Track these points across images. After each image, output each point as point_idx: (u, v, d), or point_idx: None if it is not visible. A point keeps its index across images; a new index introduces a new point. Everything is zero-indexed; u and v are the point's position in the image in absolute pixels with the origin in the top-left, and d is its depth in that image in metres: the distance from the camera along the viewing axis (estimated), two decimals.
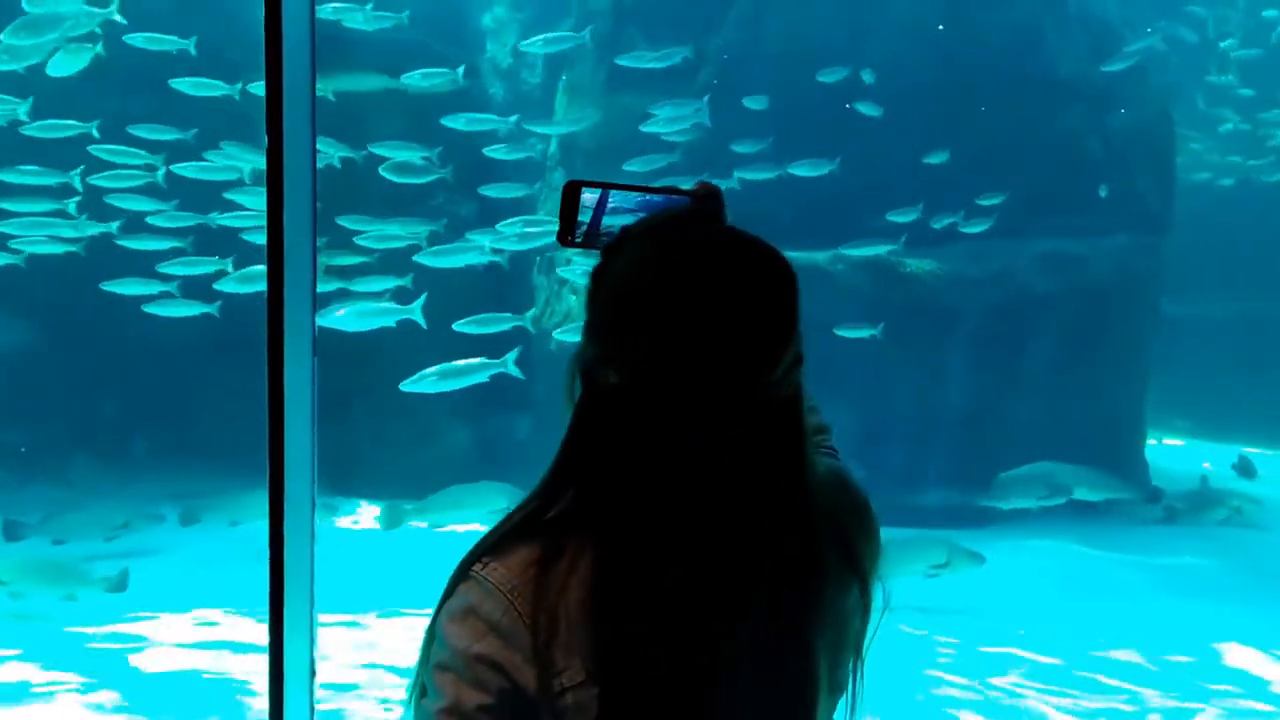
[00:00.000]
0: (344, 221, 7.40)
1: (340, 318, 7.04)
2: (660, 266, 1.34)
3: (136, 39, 7.53)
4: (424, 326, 7.27)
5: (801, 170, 7.88)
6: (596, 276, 1.39)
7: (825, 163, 7.92)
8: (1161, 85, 9.67)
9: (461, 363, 7.11)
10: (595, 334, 1.35)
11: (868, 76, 8.19)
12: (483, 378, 7.11)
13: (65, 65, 7.61)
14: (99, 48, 7.65)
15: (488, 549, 1.30)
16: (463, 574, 1.29)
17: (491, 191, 8.03)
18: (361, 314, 7.16)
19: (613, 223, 1.62)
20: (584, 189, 1.62)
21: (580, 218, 1.62)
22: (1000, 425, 8.22)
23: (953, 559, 6.51)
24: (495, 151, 8.07)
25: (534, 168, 8.92)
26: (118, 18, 7.56)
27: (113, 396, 8.47)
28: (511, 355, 7.17)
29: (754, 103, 8.06)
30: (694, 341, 1.29)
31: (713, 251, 1.34)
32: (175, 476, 8.15)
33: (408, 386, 7.02)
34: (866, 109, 8.16)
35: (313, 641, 2.29)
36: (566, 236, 1.63)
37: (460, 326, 7.24)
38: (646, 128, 8.06)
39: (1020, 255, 8.38)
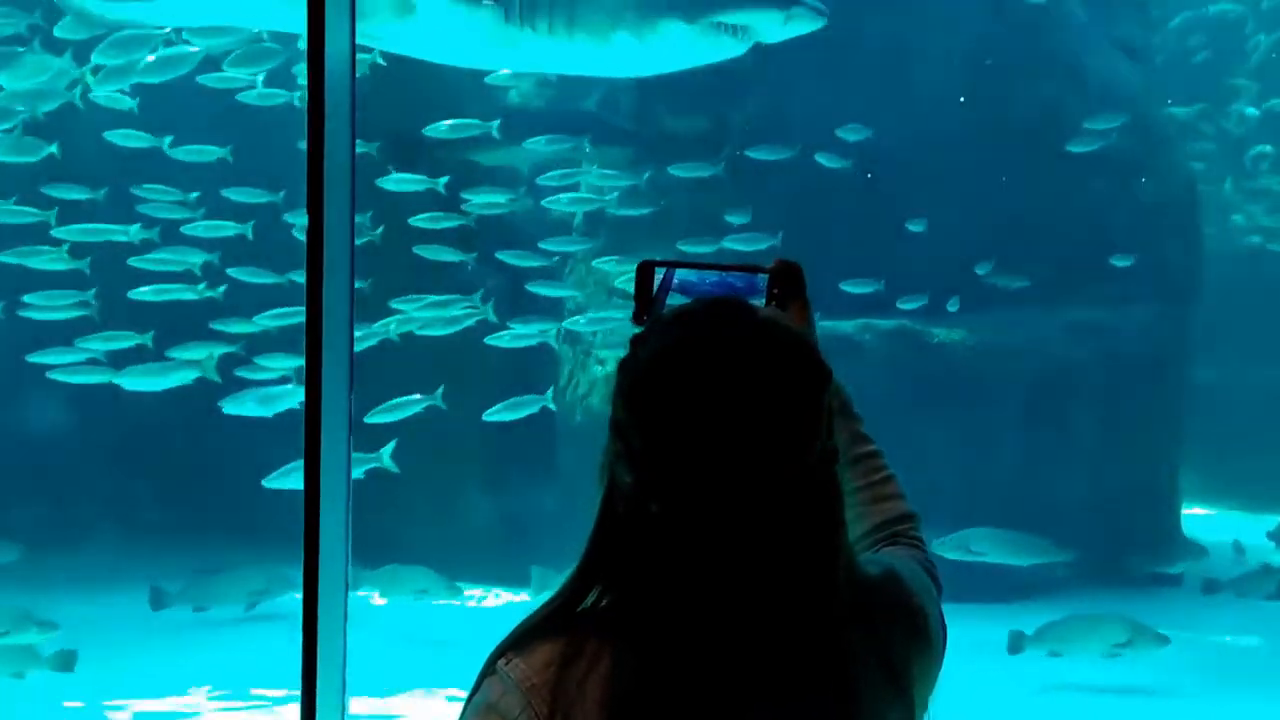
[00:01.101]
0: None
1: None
2: (677, 366, 1.32)
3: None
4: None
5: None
6: (623, 368, 1.37)
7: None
8: (1184, 155, 9.70)
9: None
10: (617, 433, 1.34)
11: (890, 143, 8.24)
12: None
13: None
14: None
15: (513, 644, 1.31)
16: (489, 668, 1.31)
17: (520, 261, 8.06)
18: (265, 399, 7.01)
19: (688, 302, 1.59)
20: (658, 268, 1.59)
21: (657, 295, 1.59)
22: (1037, 495, 8.09)
23: (1135, 638, 6.35)
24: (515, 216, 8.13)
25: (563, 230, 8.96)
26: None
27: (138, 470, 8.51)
28: (387, 449, 6.97)
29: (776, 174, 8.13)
30: (711, 448, 1.28)
31: (731, 349, 1.32)
32: (194, 549, 8.12)
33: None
34: (888, 180, 8.21)
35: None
36: (642, 317, 1.59)
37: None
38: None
39: (1050, 324, 8.34)
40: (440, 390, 7.34)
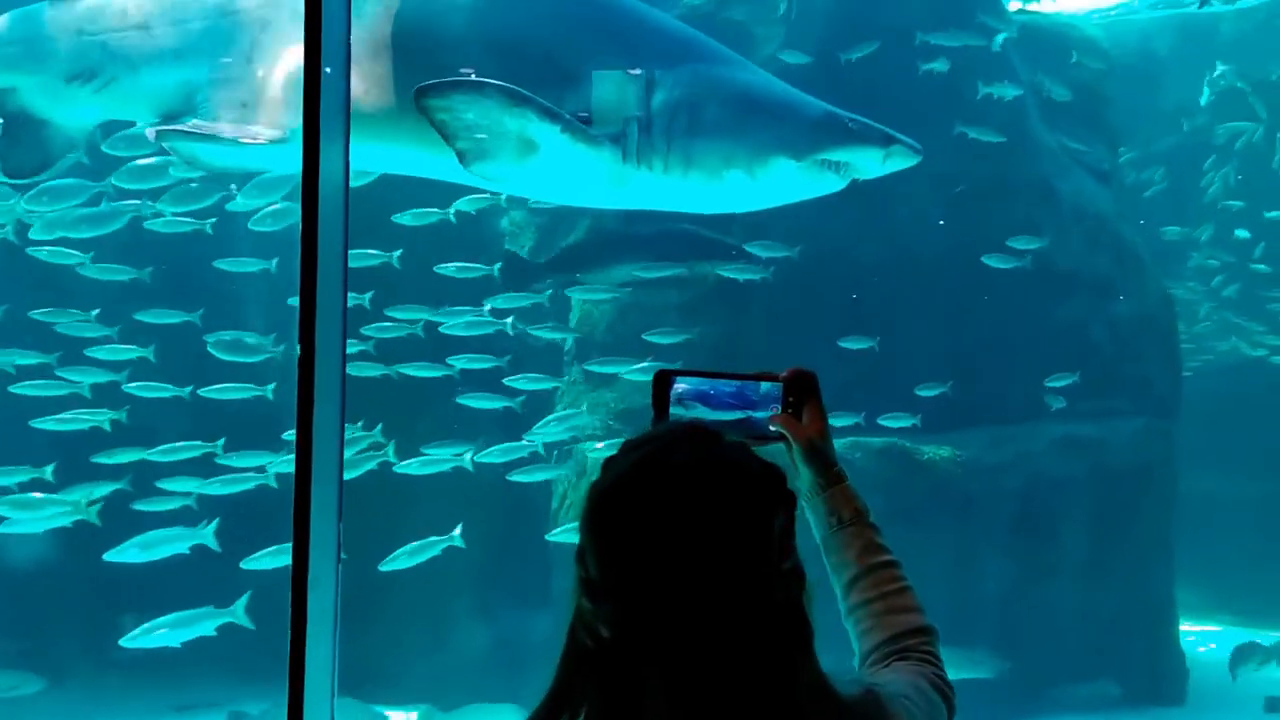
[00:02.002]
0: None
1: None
2: (627, 494, 1.36)
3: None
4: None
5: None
6: (588, 493, 1.41)
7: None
8: (1157, 273, 9.91)
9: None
10: (579, 559, 1.38)
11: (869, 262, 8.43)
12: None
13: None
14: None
15: None
16: None
17: (518, 384, 8.14)
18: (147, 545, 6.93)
19: (707, 412, 1.63)
20: (675, 378, 1.64)
21: (674, 404, 1.63)
22: (1030, 613, 8.02)
23: None
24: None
25: (553, 356, 9.05)
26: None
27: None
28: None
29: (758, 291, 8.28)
30: (657, 575, 1.31)
31: (680, 476, 1.34)
32: (178, 686, 7.92)
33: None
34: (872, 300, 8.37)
35: None
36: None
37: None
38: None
39: (1037, 440, 8.40)
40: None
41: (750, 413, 1.77)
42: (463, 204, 7.96)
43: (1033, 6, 10.75)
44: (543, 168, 4.95)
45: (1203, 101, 11.47)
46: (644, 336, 8.19)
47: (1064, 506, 8.32)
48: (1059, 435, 8.45)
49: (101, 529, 7.50)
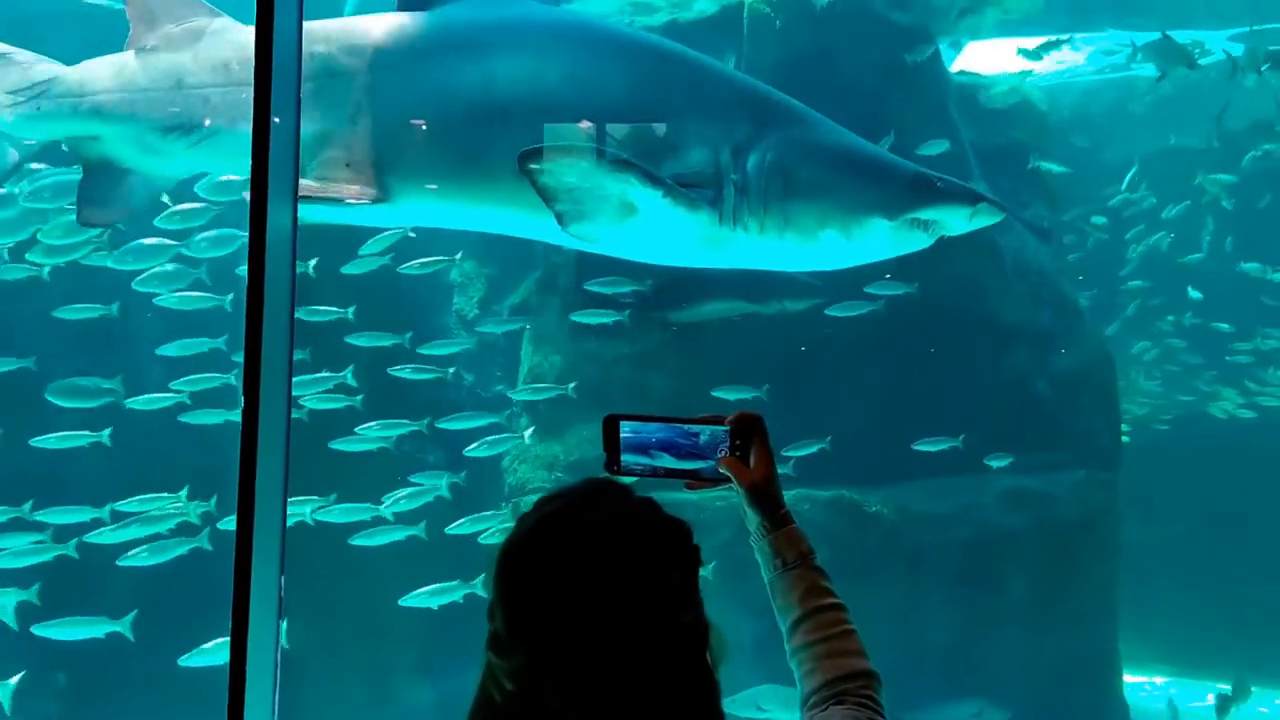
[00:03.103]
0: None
1: None
2: (523, 552, 1.39)
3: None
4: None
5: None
6: (500, 547, 1.45)
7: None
8: (1096, 328, 10.14)
9: None
10: (488, 615, 1.42)
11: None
12: None
13: None
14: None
15: None
16: None
17: (454, 422, 8.06)
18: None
19: (654, 454, 1.66)
20: (622, 421, 1.67)
21: (624, 448, 1.65)
22: (978, 664, 8.06)
23: None
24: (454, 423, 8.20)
25: (501, 407, 9.01)
26: None
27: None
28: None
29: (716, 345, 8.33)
30: (550, 631, 1.34)
31: (588, 533, 1.38)
32: None
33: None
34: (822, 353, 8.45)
35: None
36: (613, 467, 1.67)
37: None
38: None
39: (984, 492, 8.50)
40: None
41: (698, 457, 1.80)
42: (411, 268, 7.90)
43: (974, 68, 11.06)
44: (640, 230, 5.03)
45: (1132, 169, 11.82)
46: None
47: (1010, 558, 8.41)
48: (1005, 487, 8.55)
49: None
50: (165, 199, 6.90)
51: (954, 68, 10.78)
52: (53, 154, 6.69)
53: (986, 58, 10.95)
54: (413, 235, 7.86)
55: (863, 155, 5.21)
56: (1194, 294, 11.40)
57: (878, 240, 5.14)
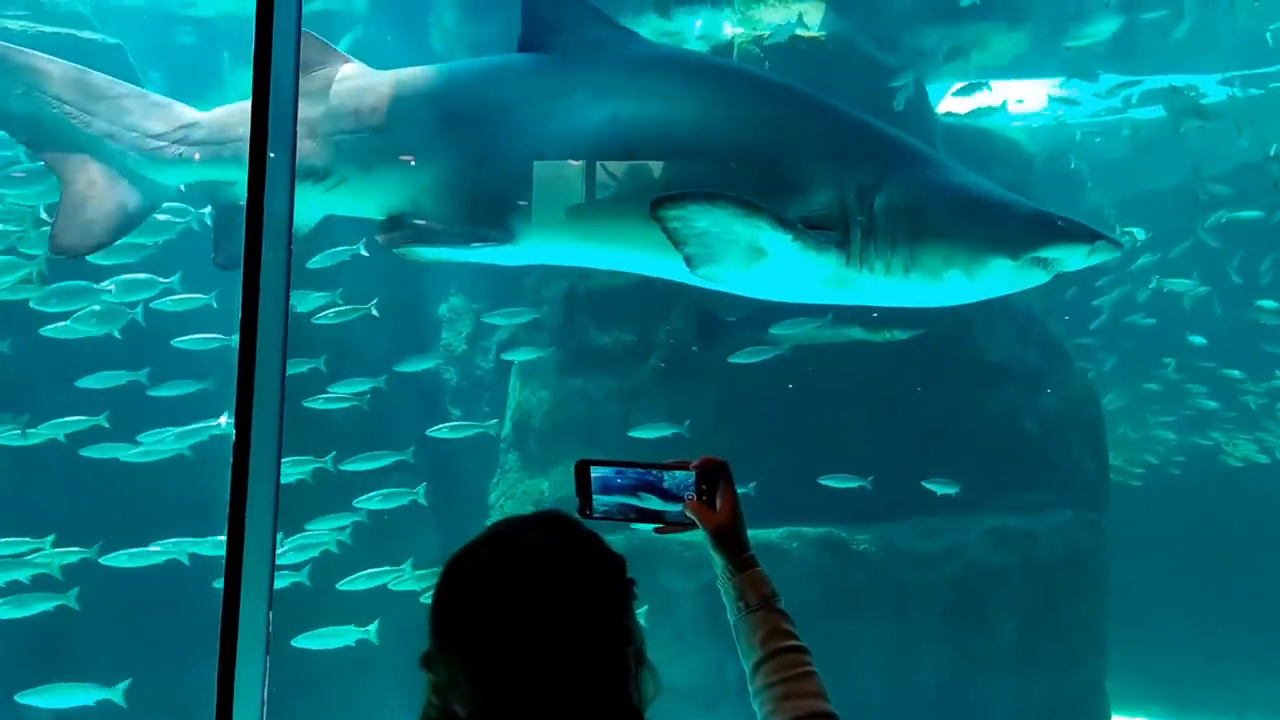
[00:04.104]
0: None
1: None
2: (455, 584, 1.46)
3: None
4: None
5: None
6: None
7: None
8: (1082, 368, 10.19)
9: None
10: (430, 637, 1.47)
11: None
12: None
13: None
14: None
15: None
16: None
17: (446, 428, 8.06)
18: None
19: (625, 498, 1.69)
20: (593, 466, 1.70)
21: (596, 492, 1.69)
22: (966, 703, 8.02)
23: None
24: (440, 432, 8.18)
25: (489, 444, 8.99)
26: None
27: None
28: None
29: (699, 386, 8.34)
30: (477, 662, 1.40)
31: (519, 563, 1.44)
32: None
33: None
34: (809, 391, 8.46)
35: None
36: (585, 511, 1.70)
37: None
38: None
39: (970, 531, 8.49)
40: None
41: (666, 500, 1.84)
42: (325, 318, 7.79)
43: (959, 108, 11.20)
44: (768, 271, 5.11)
45: (1112, 205, 11.93)
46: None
47: (997, 597, 8.39)
48: (991, 526, 8.55)
49: None
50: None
51: (940, 109, 10.91)
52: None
53: (973, 99, 11.09)
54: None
55: (985, 195, 5.30)
56: (1196, 339, 11.44)
57: (999, 278, 5.22)
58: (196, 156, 5.85)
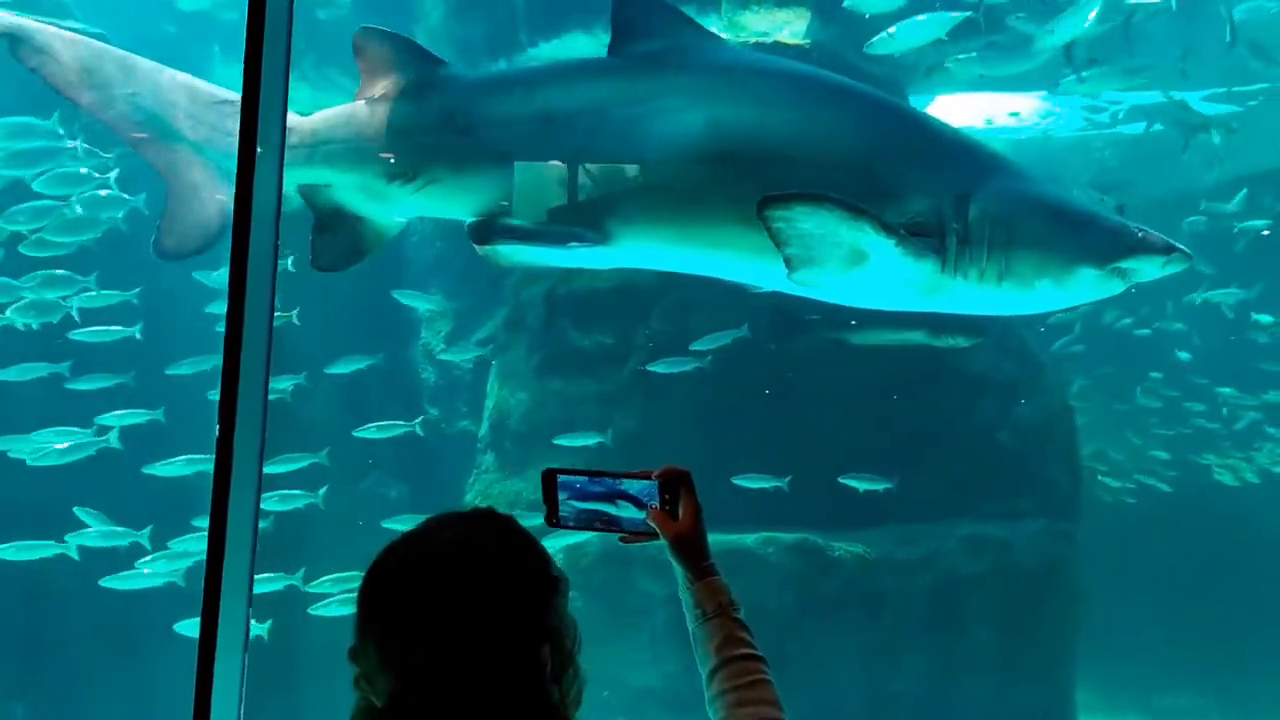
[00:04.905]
0: None
1: None
2: (378, 580, 1.51)
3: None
4: None
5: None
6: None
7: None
8: (1058, 380, 10.26)
9: None
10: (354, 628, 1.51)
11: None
12: None
13: None
14: None
15: None
16: None
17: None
18: None
19: (592, 506, 1.71)
20: (560, 475, 1.72)
21: (562, 501, 1.71)
22: (942, 710, 8.06)
23: None
24: (367, 432, 8.17)
25: (466, 445, 8.98)
26: None
27: None
28: None
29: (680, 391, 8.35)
30: (396, 659, 1.43)
31: (441, 559, 1.48)
32: None
33: None
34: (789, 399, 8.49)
35: None
36: (552, 519, 1.73)
37: None
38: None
39: (946, 539, 8.54)
40: None
41: (631, 509, 1.87)
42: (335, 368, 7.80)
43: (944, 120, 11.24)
44: (862, 277, 5.16)
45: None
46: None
47: (973, 605, 8.44)
48: (967, 534, 8.60)
49: None
50: None
51: None
52: None
53: (957, 110, 11.16)
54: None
55: (1073, 207, 5.41)
56: (1182, 355, 11.53)
57: (1084, 288, 5.31)
58: (290, 158, 5.87)
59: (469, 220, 5.62)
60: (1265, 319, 10.86)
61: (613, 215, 5.35)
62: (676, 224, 5.35)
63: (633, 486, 1.84)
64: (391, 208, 5.88)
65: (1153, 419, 11.87)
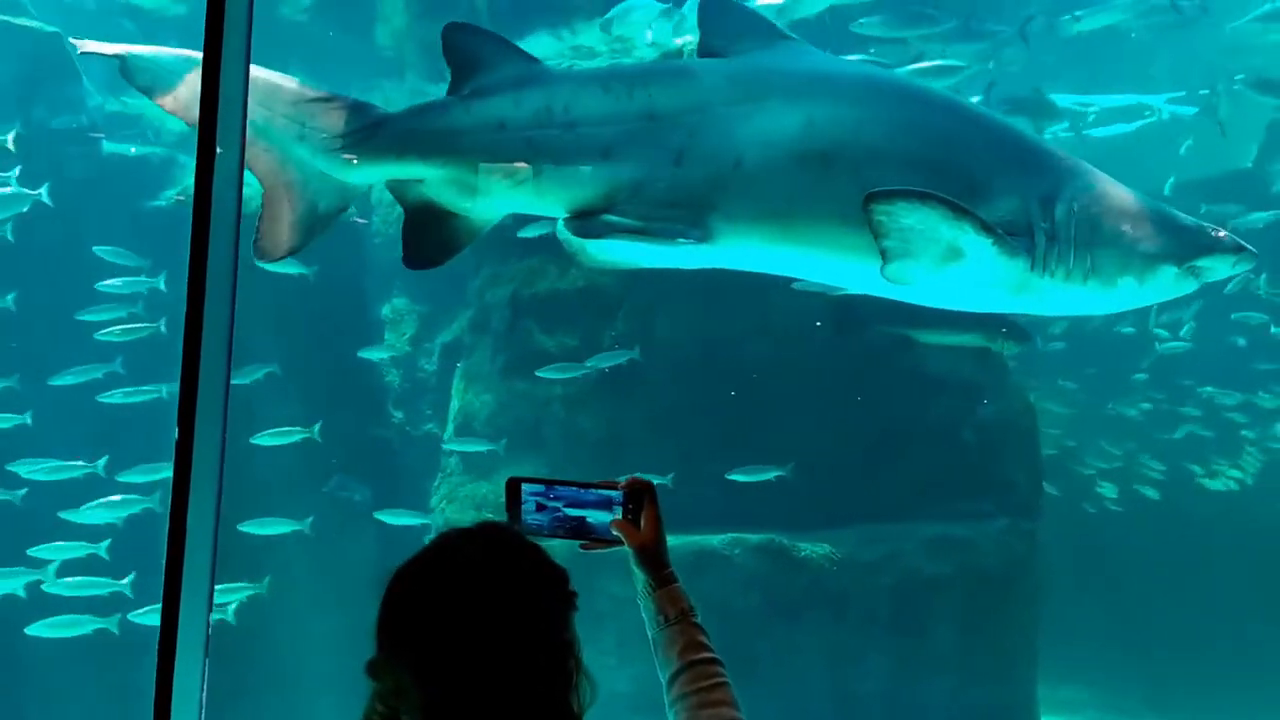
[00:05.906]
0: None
1: None
2: (396, 592, 1.53)
3: None
4: None
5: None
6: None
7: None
8: (1018, 381, 10.36)
9: None
10: (377, 645, 1.53)
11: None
12: None
13: None
14: None
15: None
16: None
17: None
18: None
19: (555, 515, 1.72)
20: (524, 484, 1.74)
21: (526, 510, 1.72)
22: (906, 711, 8.12)
23: None
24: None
25: (430, 446, 8.94)
26: None
27: None
28: None
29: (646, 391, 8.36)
30: (454, 677, 1.45)
31: (470, 568, 1.51)
32: None
33: None
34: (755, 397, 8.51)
35: None
36: (514, 526, 1.73)
37: None
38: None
39: (909, 539, 8.59)
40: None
41: (593, 518, 1.94)
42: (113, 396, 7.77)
43: None
44: (954, 275, 5.27)
45: None
46: None
47: (936, 605, 8.50)
48: (930, 535, 8.67)
49: None
50: None
51: None
52: None
53: None
54: None
55: (1150, 207, 5.55)
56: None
57: (1162, 286, 5.46)
58: (382, 154, 5.80)
59: (562, 215, 5.61)
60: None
61: (716, 213, 5.39)
62: (778, 222, 5.42)
63: (596, 496, 1.88)
64: (484, 203, 5.83)
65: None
